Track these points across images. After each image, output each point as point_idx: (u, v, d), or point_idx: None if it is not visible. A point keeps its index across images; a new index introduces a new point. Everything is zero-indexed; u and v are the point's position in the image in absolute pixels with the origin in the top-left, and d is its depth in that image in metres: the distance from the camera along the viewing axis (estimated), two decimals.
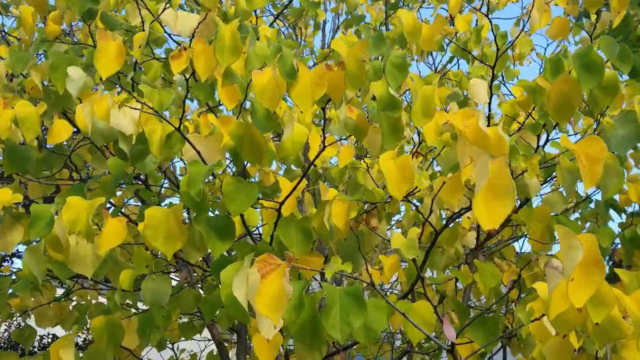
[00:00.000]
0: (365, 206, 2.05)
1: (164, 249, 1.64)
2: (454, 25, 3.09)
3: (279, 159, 1.83)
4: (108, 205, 2.61)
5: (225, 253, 1.81)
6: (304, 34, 4.32)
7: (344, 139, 1.85)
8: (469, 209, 1.83)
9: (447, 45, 3.57)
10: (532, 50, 3.85)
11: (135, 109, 1.89)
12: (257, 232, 2.78)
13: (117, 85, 2.27)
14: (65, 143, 2.99)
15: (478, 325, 2.19)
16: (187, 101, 2.25)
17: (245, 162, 2.14)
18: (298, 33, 4.62)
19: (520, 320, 1.28)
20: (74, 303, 3.67)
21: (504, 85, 3.49)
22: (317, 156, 1.77)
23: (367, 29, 2.95)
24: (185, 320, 3.45)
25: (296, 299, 1.56)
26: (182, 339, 4.30)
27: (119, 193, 2.98)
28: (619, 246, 3.02)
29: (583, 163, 1.45)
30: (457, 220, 2.07)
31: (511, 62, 3.88)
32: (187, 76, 1.79)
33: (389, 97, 1.70)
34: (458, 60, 4.00)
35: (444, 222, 2.15)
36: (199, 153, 1.85)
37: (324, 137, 1.75)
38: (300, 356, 2.08)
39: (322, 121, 1.72)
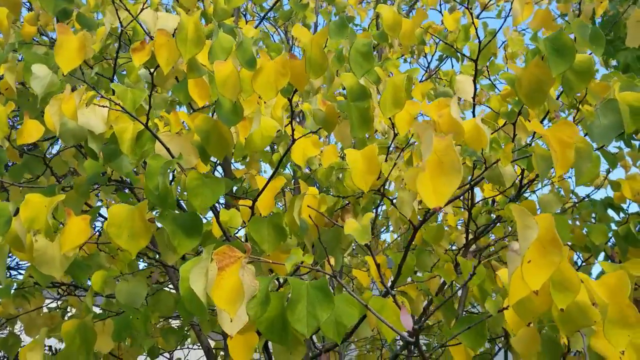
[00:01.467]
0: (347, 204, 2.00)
1: (128, 247, 1.59)
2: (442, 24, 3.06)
3: (247, 152, 1.78)
4: (87, 208, 2.57)
5: None
6: (295, 38, 4.30)
7: (314, 132, 1.80)
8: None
9: (436, 44, 3.53)
10: (524, 49, 3.80)
11: (105, 107, 1.86)
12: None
13: (85, 84, 2.24)
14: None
15: (464, 325, 2.12)
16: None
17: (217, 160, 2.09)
18: (290, 37, 4.61)
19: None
20: (70, 313, 3.65)
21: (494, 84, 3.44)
22: (287, 150, 1.73)
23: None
24: (176, 324, 3.40)
25: (262, 294, 1.51)
26: (178, 347, 4.26)
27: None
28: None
29: (554, 148, 1.39)
30: (437, 215, 2.01)
31: (504, 61, 3.85)
32: (152, 70, 1.76)
33: (359, 88, 1.65)
34: (451, 60, 3.96)
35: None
36: (169, 151, 1.82)
37: (293, 130, 1.70)
38: (279, 357, 2.02)
39: (291, 113, 1.67)
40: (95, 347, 1.97)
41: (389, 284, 2.07)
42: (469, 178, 1.83)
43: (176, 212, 1.68)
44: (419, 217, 1.98)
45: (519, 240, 0.95)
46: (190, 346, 4.47)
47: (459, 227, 2.73)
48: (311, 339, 2.18)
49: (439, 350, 3.82)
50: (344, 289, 1.44)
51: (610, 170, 3.45)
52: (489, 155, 1.61)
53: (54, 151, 3.29)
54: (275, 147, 2.84)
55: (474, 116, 2.45)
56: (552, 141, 1.42)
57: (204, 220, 2.51)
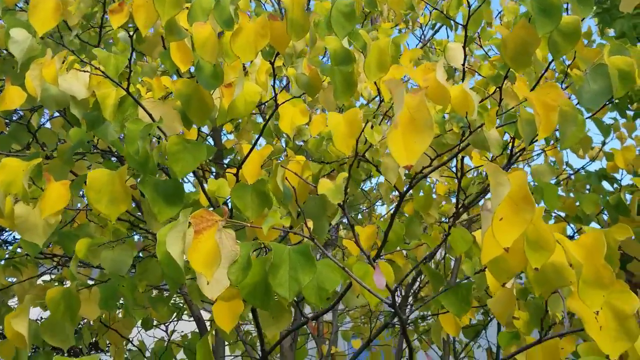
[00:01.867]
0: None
1: (108, 212, 1.58)
2: None
3: (230, 118, 1.76)
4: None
5: None
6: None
7: (299, 97, 1.78)
8: (431, 167, 1.75)
9: (430, 12, 3.47)
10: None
11: (86, 72, 1.84)
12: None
13: (66, 48, 2.20)
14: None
15: (450, 293, 2.12)
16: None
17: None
18: (283, 7, 4.53)
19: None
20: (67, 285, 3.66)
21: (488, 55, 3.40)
22: (270, 115, 1.70)
23: None
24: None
25: (244, 259, 1.51)
26: (175, 319, 4.28)
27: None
28: None
29: (537, 111, 1.37)
30: (426, 181, 1.99)
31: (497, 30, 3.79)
32: (131, 33, 1.72)
33: (343, 52, 1.62)
34: (446, 29, 3.91)
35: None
36: (152, 117, 1.79)
37: (275, 95, 1.67)
38: (265, 324, 2.03)
39: (273, 76, 1.64)
40: (82, 314, 1.97)
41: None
42: (458, 145, 1.80)
43: (160, 179, 1.66)
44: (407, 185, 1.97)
45: (491, 198, 0.94)
46: (188, 319, 4.50)
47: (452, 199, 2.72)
48: (299, 308, 2.18)
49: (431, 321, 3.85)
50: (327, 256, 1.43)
51: (606, 142, 3.43)
52: (473, 120, 1.59)
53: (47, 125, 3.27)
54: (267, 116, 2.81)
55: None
56: (536, 104, 1.39)
57: (193, 190, 2.50)
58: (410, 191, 2.02)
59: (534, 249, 1.03)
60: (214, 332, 2.59)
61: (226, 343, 3.72)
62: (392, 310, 3.94)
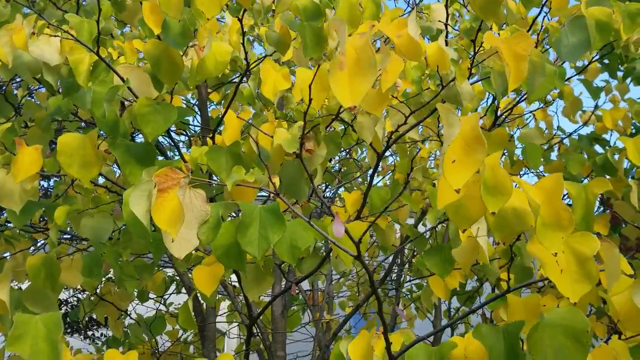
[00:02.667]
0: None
1: (80, 176, 1.57)
2: None
3: (200, 79, 1.73)
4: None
5: None
6: None
7: (270, 56, 1.75)
8: (407, 126, 1.73)
9: None
10: None
11: (57, 36, 1.81)
12: None
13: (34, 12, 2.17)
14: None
15: (433, 253, 2.12)
16: None
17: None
18: None
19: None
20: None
21: None
22: (243, 75, 1.68)
23: None
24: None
25: (214, 219, 1.50)
26: (173, 292, 4.31)
27: None
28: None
29: (507, 61, 1.34)
30: (405, 143, 1.97)
31: None
32: None
33: (312, 7, 1.59)
34: None
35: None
36: (123, 81, 1.77)
37: (246, 53, 1.65)
38: (247, 288, 2.03)
39: (242, 34, 1.62)
40: (64, 281, 1.98)
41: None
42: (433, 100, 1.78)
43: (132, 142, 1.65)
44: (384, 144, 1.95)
45: (443, 139, 0.92)
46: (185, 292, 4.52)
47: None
48: (281, 271, 2.18)
49: (421, 285, 3.85)
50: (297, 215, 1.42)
51: (598, 105, 3.39)
52: (447, 74, 1.56)
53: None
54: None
55: (446, 44, 2.38)
56: (506, 54, 1.36)
57: (175, 158, 2.49)
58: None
59: (492, 193, 1.01)
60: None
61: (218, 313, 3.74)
62: (389, 282, 3.92)
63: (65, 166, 1.57)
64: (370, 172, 4.32)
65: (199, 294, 3.29)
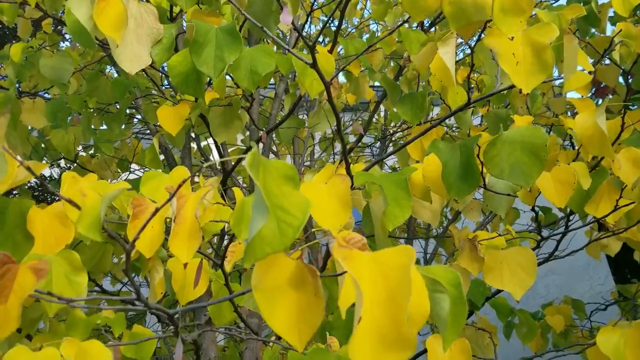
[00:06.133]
0: None
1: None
2: None
3: None
4: None
5: None
6: None
7: None
8: None
9: None
10: None
11: None
12: None
13: None
14: None
15: (405, 99, 2.08)
16: None
17: None
18: None
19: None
20: None
21: None
22: None
23: None
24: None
25: (168, 40, 1.44)
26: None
27: None
28: None
29: None
30: None
31: None
32: None
33: None
34: None
35: None
36: None
37: None
38: (216, 132, 2.01)
39: None
40: (26, 122, 1.94)
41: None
42: None
43: None
44: None
45: None
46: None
47: None
48: (253, 121, 2.15)
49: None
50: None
51: None
52: None
53: None
54: None
55: None
56: None
57: None
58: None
59: None
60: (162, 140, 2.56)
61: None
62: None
63: None
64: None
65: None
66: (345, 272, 0.74)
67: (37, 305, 1.27)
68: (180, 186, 0.69)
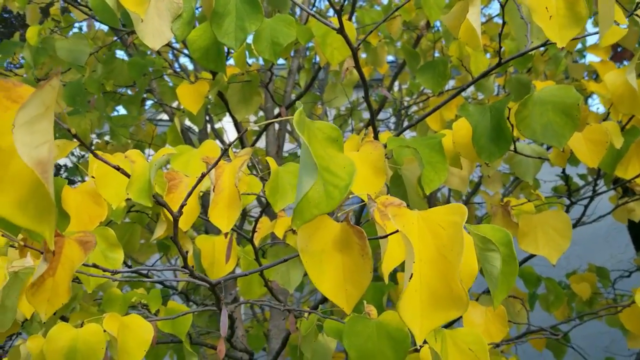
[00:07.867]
0: None
1: None
2: None
3: None
4: None
5: None
6: None
7: None
8: None
9: None
10: None
11: None
12: None
13: None
14: None
15: (426, 68, 2.05)
16: None
17: None
18: None
19: None
20: None
21: None
22: None
23: None
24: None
25: (188, 15, 1.41)
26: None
27: None
28: None
29: None
30: None
31: None
32: None
33: None
34: None
35: None
36: None
37: None
38: (235, 109, 1.99)
39: None
40: None
41: None
42: None
43: None
44: None
45: None
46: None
47: None
48: (271, 96, 2.13)
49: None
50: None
51: None
52: None
53: None
54: None
55: None
56: None
57: None
58: None
59: None
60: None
61: None
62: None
63: None
64: None
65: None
66: (388, 235, 0.73)
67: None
68: (223, 154, 0.68)
